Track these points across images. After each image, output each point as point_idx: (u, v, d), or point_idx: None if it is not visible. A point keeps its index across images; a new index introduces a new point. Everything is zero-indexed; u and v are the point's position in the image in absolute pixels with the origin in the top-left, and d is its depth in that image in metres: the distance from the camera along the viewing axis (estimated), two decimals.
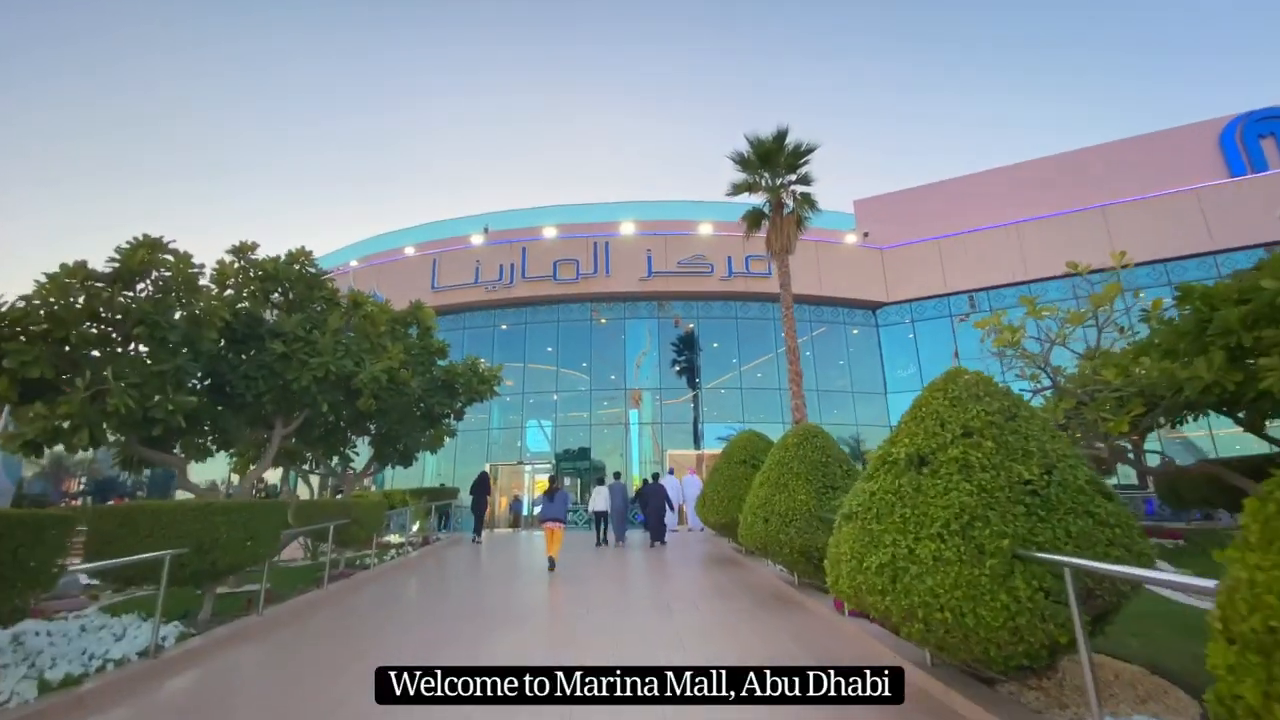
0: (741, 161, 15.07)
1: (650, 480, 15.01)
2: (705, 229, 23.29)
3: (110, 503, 17.56)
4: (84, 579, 7.91)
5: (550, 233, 23.40)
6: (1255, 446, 17.48)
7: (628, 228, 23.27)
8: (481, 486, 15.44)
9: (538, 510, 10.89)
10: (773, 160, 14.60)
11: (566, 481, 21.90)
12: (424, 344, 11.27)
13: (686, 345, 23.15)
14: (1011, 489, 3.34)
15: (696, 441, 22.46)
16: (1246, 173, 20.74)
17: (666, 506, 13.91)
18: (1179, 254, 20.92)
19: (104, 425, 6.64)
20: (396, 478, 23.29)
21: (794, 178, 14.85)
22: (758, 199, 15.54)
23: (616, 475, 14.79)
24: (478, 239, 24.01)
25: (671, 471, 19.13)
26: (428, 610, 7.12)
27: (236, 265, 8.87)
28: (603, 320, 23.11)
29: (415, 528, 15.16)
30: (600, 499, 13.58)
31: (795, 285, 23.13)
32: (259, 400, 8.28)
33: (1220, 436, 18.94)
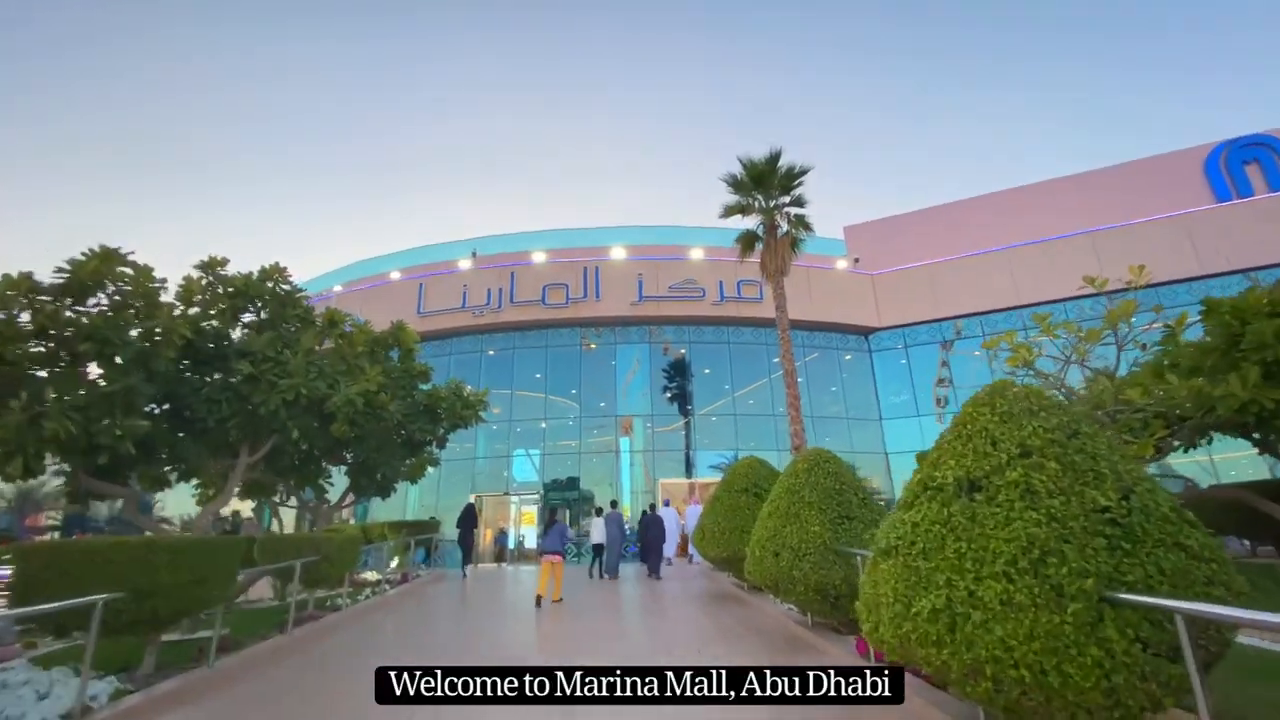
0: (734, 184, 14.85)
1: (649, 511, 14.80)
2: (697, 253, 23.08)
3: (74, 538, 16.56)
4: (17, 625, 7.11)
5: (539, 257, 23.05)
6: (1253, 472, 17.23)
7: (618, 252, 23.00)
8: (468, 519, 15.09)
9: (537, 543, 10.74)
10: (766, 182, 14.39)
11: (561, 514, 21.22)
12: (405, 367, 10.66)
13: (678, 371, 22.69)
14: (1087, 518, 2.84)
15: (688, 470, 21.83)
16: (1232, 198, 20.99)
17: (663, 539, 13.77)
18: (1167, 279, 20.90)
19: (43, 452, 5.98)
20: (379, 510, 22.37)
21: (788, 199, 14.63)
22: (751, 221, 15.30)
23: (613, 504, 14.28)
24: (465, 263, 23.58)
25: (668, 503, 18.47)
26: (401, 659, 6.42)
27: (204, 281, 8.29)
28: (592, 345, 22.63)
29: (394, 563, 14.33)
30: (598, 531, 13.36)
31: (787, 310, 22.94)
32: (223, 426, 7.62)
33: (1220, 462, 18.65)
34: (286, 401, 7.55)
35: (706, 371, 23.06)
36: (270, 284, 8.77)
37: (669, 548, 15.37)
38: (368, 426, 8.85)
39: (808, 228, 14.66)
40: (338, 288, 25.67)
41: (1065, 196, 23.43)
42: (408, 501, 22.19)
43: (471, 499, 21.16)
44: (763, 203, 14.63)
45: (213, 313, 8.27)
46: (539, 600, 9.01)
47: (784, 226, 14.70)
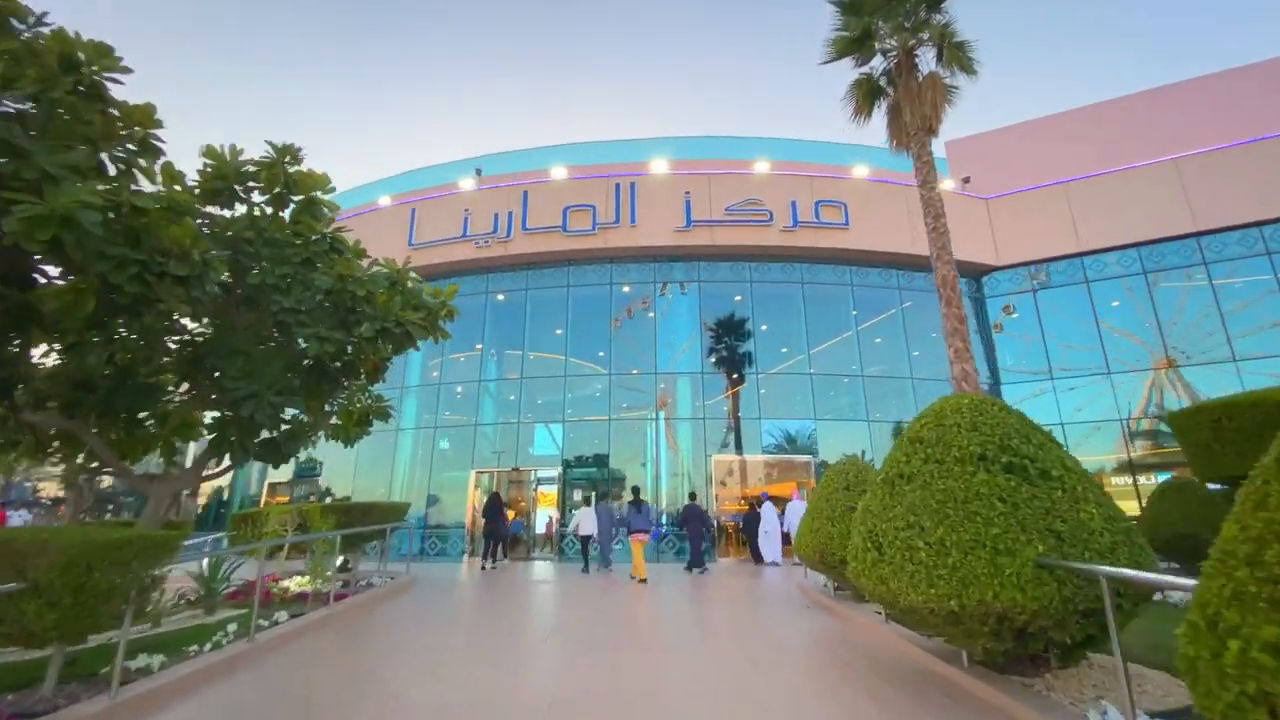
0: (847, 4, 9.66)
1: (691, 500, 13.79)
2: (761, 166, 17.90)
3: None
4: None
5: (560, 173, 18.15)
6: None
7: (660, 165, 17.96)
8: (493, 509, 14.01)
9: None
10: None
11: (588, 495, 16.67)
12: (299, 227, 5.95)
13: (736, 321, 17.67)
14: None
15: (739, 445, 16.87)
16: None
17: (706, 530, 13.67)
18: None
19: None
20: (359, 488, 18.07)
21: (937, 21, 9.36)
22: (874, 65, 10.07)
23: (601, 497, 13.81)
24: (468, 182, 18.84)
25: (766, 496, 14.94)
26: None
27: None
28: (635, 299, 17.71)
29: (338, 562, 9.84)
30: (588, 522, 13.03)
31: (879, 242, 17.65)
32: None
33: None
34: None
35: (764, 328, 17.91)
36: None
37: (772, 549, 14.12)
38: (167, 301, 4.09)
39: (967, 66, 9.38)
40: None
41: (1255, 88, 17.50)
42: (395, 478, 17.80)
43: (471, 475, 16.83)
44: (894, 26, 9.40)
45: None
46: (644, 580, 10.48)
47: (928, 64, 9.49)
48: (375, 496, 17.43)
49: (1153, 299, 16.70)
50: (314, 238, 5.88)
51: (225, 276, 5.67)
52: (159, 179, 4.31)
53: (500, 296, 18.57)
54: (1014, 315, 18.71)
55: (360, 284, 5.74)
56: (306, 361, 6.35)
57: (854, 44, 9.78)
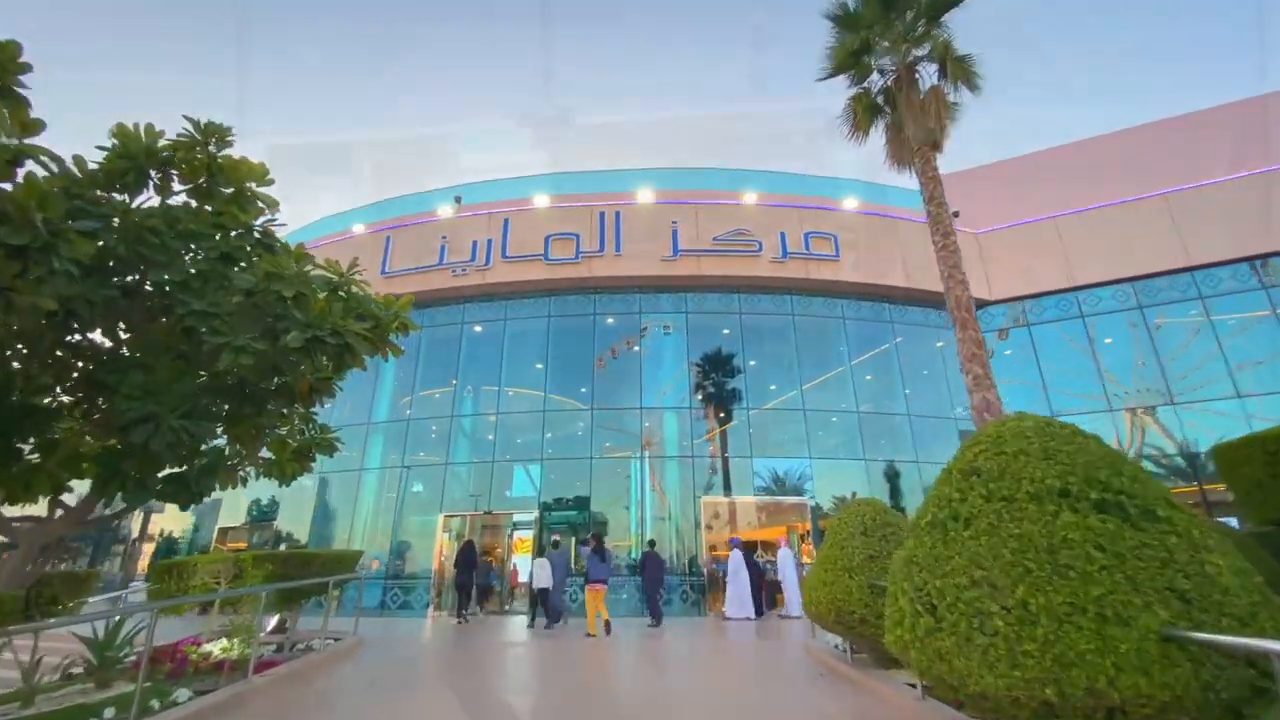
0: (844, 17, 9.25)
1: (649, 548, 12.83)
2: (750, 198, 17.46)
3: None
4: None
5: (542, 200, 17.54)
6: None
7: (646, 195, 17.43)
8: (466, 559, 13.12)
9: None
10: (900, 3, 8.77)
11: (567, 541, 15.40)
12: (219, 219, 5.03)
13: (725, 355, 16.88)
14: None
15: (728, 486, 15.85)
16: None
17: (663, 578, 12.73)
18: None
19: None
20: (319, 533, 16.63)
21: (940, 34, 8.94)
22: (871, 81, 9.61)
23: (555, 544, 13.44)
24: (446, 209, 18.14)
25: (737, 543, 13.64)
26: None
27: None
28: (619, 334, 16.90)
29: (273, 622, 8.56)
30: (543, 574, 11.96)
31: (870, 275, 17.18)
32: None
33: None
34: None
35: (753, 363, 17.13)
36: None
37: (742, 604, 12.99)
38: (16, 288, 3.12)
39: (971, 81, 8.93)
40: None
41: (1245, 123, 17.58)
42: (355, 524, 16.37)
43: (439, 518, 15.52)
44: (894, 39, 8.96)
45: None
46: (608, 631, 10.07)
47: (929, 80, 9.03)
48: (337, 542, 16.06)
49: (1150, 334, 16.27)
50: (237, 231, 4.98)
51: (132, 277, 4.73)
52: (9, 125, 3.42)
53: (477, 328, 17.65)
54: (1006, 353, 18.19)
55: (288, 283, 4.78)
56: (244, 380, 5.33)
57: (852, 57, 9.32)
